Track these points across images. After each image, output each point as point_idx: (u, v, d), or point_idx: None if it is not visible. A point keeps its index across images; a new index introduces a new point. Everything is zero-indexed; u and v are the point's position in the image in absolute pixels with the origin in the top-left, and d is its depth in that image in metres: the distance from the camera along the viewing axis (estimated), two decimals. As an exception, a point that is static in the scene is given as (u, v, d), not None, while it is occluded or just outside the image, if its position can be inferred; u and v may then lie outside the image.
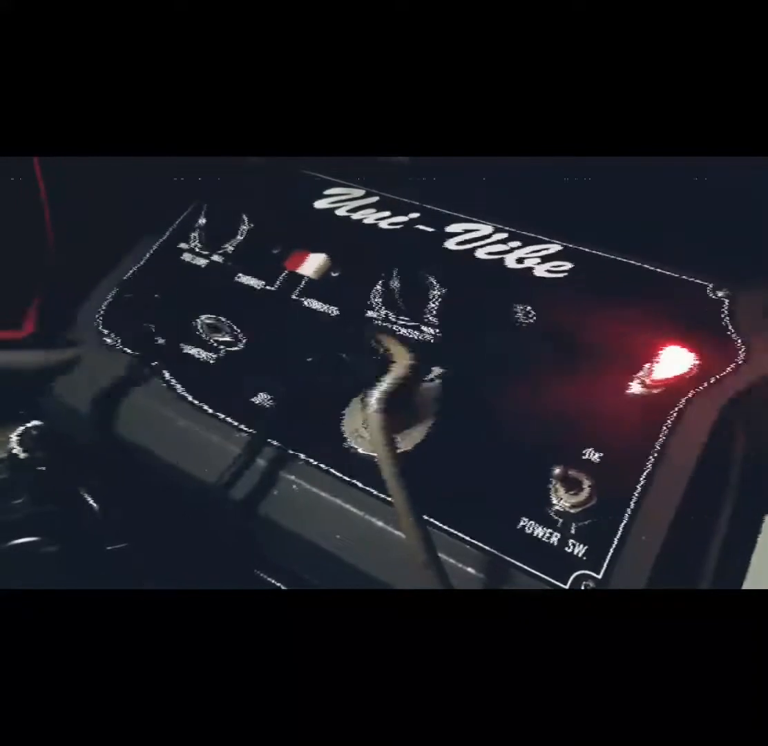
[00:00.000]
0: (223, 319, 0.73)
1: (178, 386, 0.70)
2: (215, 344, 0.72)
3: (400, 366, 0.51)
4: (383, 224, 0.78)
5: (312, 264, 0.75)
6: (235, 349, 0.72)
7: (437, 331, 0.69)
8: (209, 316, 0.74)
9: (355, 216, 0.79)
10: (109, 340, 0.75)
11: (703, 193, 0.71)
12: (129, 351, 0.74)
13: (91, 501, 0.62)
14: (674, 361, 0.60)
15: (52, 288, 0.78)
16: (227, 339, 0.72)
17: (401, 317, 0.70)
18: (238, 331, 0.73)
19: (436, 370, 0.65)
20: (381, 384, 0.51)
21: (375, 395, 0.50)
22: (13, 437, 0.65)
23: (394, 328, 0.70)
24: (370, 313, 0.71)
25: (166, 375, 0.71)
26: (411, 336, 0.69)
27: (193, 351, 0.72)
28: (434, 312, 0.70)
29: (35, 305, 0.77)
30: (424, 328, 0.69)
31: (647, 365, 0.61)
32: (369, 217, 0.79)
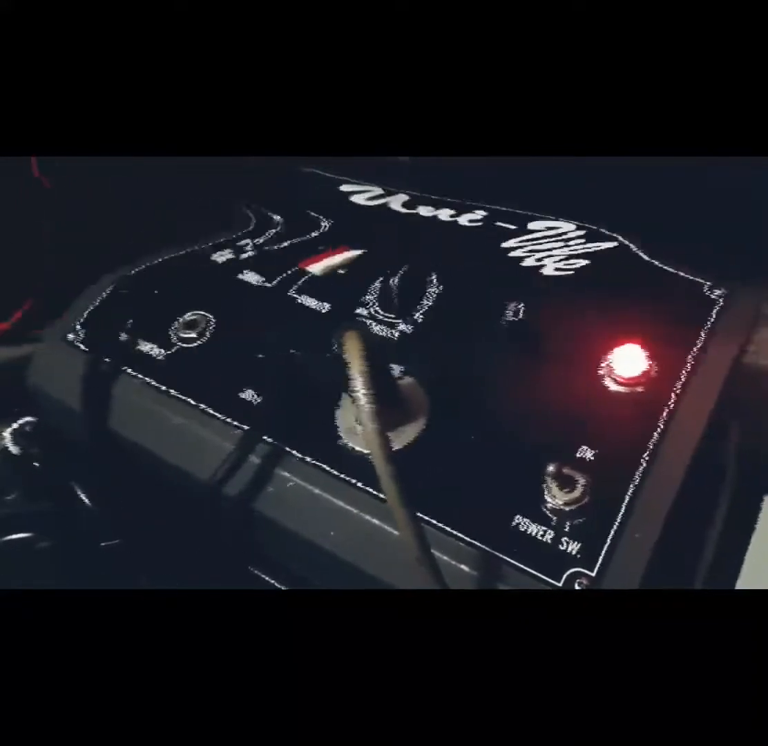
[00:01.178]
0: (206, 315, 0.73)
1: (152, 380, 0.70)
2: (176, 341, 0.72)
3: (353, 364, 0.51)
4: (392, 220, 0.78)
5: (330, 261, 0.75)
6: (195, 345, 0.72)
7: (425, 327, 0.68)
8: (194, 312, 0.74)
9: (366, 211, 0.80)
10: (69, 337, 0.75)
11: (704, 192, 0.71)
12: (84, 348, 0.74)
13: (85, 498, 0.62)
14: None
15: (46, 287, 0.79)
16: (192, 335, 0.72)
17: (387, 314, 0.70)
18: (214, 326, 0.73)
19: (418, 367, 0.65)
20: (354, 381, 0.50)
21: (360, 391, 0.50)
22: (7, 433, 0.65)
23: (377, 325, 0.69)
24: (359, 310, 0.71)
25: (135, 371, 0.71)
26: (391, 333, 0.69)
27: (145, 347, 0.73)
28: (426, 308, 0.69)
29: (26, 304, 0.78)
30: (410, 325, 0.69)
31: (639, 362, 0.60)
32: (379, 212, 0.79)
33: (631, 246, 0.71)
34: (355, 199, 0.81)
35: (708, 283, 0.65)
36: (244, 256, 0.79)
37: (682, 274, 0.66)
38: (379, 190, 0.82)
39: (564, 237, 0.73)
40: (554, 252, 0.72)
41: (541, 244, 0.73)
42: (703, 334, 0.62)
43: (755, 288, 0.64)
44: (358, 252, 0.75)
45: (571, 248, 0.72)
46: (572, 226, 0.74)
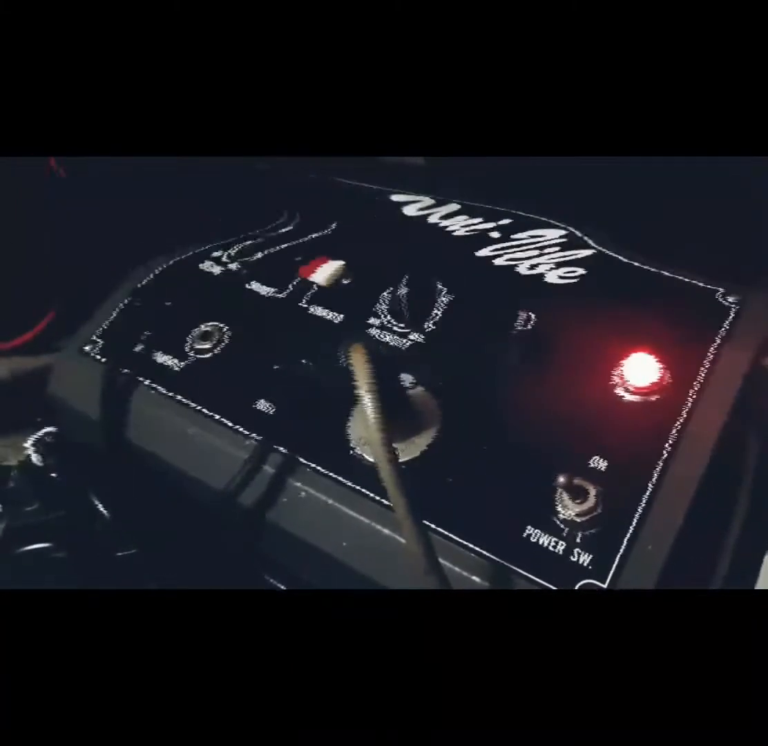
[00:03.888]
0: (221, 326, 0.74)
1: (164, 390, 0.71)
2: (192, 352, 0.73)
3: (359, 377, 0.51)
4: (396, 230, 0.78)
5: (325, 271, 0.75)
6: (210, 355, 0.73)
7: (436, 338, 0.68)
8: (210, 323, 0.74)
9: (369, 221, 0.80)
10: (86, 348, 0.76)
11: (717, 195, 0.70)
12: (102, 359, 0.75)
13: (101, 508, 0.63)
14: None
15: (68, 299, 0.80)
16: (207, 346, 0.73)
17: (399, 324, 0.70)
18: (229, 337, 0.73)
19: (430, 377, 0.65)
20: (360, 393, 0.51)
21: (367, 403, 0.50)
22: (29, 444, 0.67)
23: (389, 335, 0.69)
24: (372, 320, 0.71)
25: (151, 381, 0.72)
26: (404, 343, 0.69)
27: (163, 359, 0.73)
28: (437, 318, 0.69)
29: (49, 315, 0.79)
30: (422, 335, 0.69)
31: (652, 371, 0.60)
32: (386, 222, 0.79)
33: (608, 251, 0.71)
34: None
35: (721, 289, 0.64)
36: (238, 265, 0.80)
37: (694, 281, 0.65)
38: (373, 190, 0.82)
39: (540, 244, 0.73)
40: (536, 259, 0.72)
41: (520, 251, 0.73)
42: (717, 341, 0.61)
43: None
44: (342, 261, 0.76)
45: (550, 256, 0.71)
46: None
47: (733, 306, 0.63)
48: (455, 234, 0.76)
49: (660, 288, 0.66)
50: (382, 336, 0.70)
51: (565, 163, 0.61)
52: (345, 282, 0.75)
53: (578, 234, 0.73)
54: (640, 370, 0.59)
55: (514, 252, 0.73)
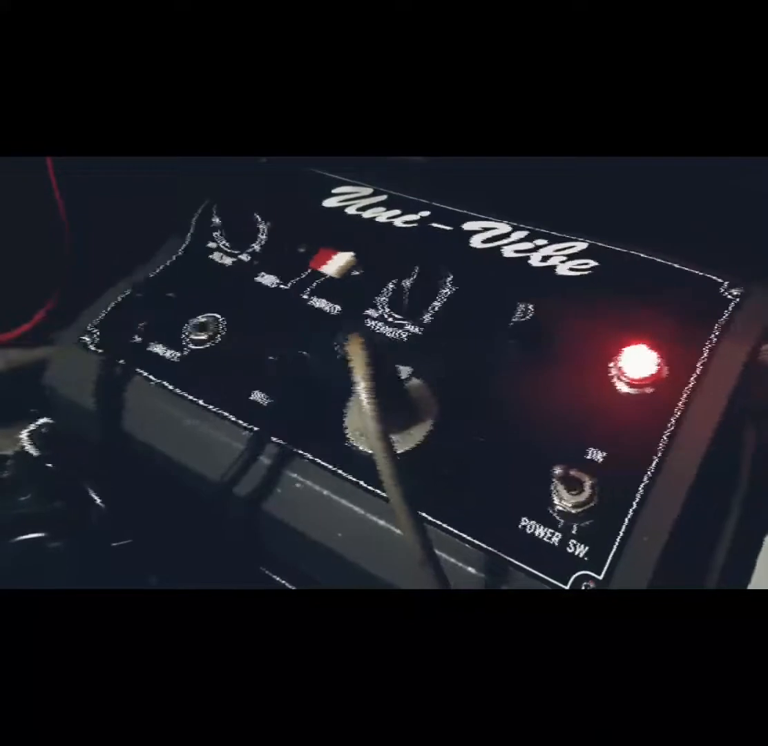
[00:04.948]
0: (218, 317, 0.74)
1: (164, 382, 0.71)
2: (188, 343, 0.73)
3: (357, 367, 0.51)
4: (398, 222, 0.78)
5: (336, 262, 0.75)
6: (205, 347, 0.73)
7: (434, 329, 0.68)
8: (206, 314, 0.74)
9: (371, 214, 0.80)
10: (85, 339, 0.76)
11: (724, 192, 0.70)
12: (98, 350, 0.75)
13: (97, 498, 0.63)
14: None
15: (66, 289, 0.80)
16: (203, 337, 0.73)
17: (397, 316, 0.70)
18: (225, 328, 0.73)
19: (426, 368, 0.65)
20: (358, 384, 0.50)
21: (363, 394, 0.50)
22: (24, 434, 0.67)
23: (386, 327, 0.69)
24: (369, 312, 0.71)
25: (148, 373, 0.72)
26: (400, 335, 0.69)
27: (158, 349, 0.73)
28: (436, 310, 0.69)
29: (47, 306, 0.79)
30: (420, 327, 0.69)
31: (649, 363, 0.59)
32: (383, 215, 0.79)
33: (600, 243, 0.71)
34: (354, 199, 0.82)
35: (725, 282, 0.63)
36: (260, 257, 0.79)
37: (693, 272, 0.65)
38: (369, 190, 0.82)
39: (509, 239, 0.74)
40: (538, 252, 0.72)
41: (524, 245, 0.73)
42: (716, 333, 0.61)
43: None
44: (351, 253, 0.76)
45: (551, 249, 0.71)
46: (508, 228, 0.74)
47: (732, 298, 0.62)
48: (463, 229, 0.76)
49: (658, 279, 0.66)
50: (378, 327, 0.70)
51: (565, 163, 0.61)
52: (355, 273, 0.75)
53: (577, 234, 0.73)
54: (637, 362, 0.59)
55: (518, 246, 0.73)
